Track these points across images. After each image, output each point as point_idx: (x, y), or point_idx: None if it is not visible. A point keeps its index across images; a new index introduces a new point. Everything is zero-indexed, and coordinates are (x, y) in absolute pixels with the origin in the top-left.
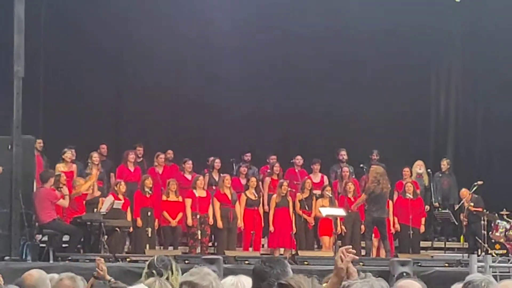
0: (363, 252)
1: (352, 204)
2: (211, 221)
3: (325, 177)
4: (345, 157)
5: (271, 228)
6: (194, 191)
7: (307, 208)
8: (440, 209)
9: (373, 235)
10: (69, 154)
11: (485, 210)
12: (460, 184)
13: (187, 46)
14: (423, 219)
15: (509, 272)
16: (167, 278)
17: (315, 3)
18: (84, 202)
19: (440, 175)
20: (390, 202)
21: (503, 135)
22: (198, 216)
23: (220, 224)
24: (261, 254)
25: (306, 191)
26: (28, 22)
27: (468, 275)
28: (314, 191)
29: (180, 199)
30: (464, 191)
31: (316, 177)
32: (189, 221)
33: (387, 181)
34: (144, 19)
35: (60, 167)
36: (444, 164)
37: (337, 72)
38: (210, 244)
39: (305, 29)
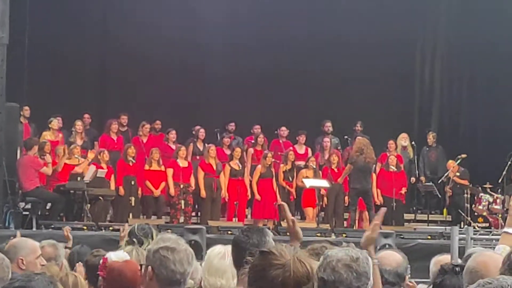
0: (346, 223)
1: (336, 176)
2: (192, 189)
3: (309, 150)
4: (331, 128)
5: (257, 197)
6: (177, 161)
7: (290, 179)
8: (425, 183)
9: (357, 206)
10: (55, 122)
11: (469, 184)
12: (446, 157)
13: (171, 13)
14: (403, 189)
15: (490, 245)
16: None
17: None
18: (69, 172)
19: (427, 148)
20: (374, 174)
21: (487, 108)
22: (181, 186)
23: (203, 193)
24: (245, 224)
25: (289, 163)
26: None
27: (469, 249)
28: (298, 163)
29: (163, 168)
30: (450, 163)
31: (301, 149)
32: (171, 191)
33: (372, 152)
34: None
35: (47, 136)
36: (430, 137)
37: (323, 45)
38: (193, 214)
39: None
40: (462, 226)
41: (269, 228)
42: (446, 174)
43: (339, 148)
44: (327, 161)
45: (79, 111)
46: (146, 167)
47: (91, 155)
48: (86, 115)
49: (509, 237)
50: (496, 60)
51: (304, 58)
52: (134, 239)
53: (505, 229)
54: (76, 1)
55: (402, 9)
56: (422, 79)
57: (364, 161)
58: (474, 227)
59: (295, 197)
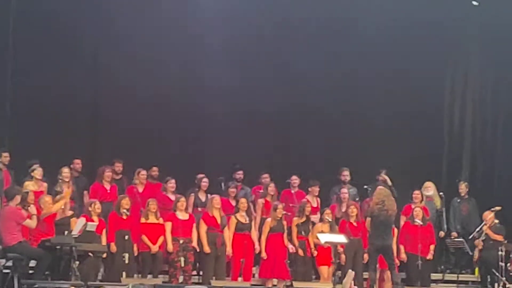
0: (365, 284)
1: (355, 230)
2: (195, 246)
3: (319, 201)
4: (348, 177)
5: (264, 255)
6: (176, 213)
7: (303, 233)
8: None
9: (377, 265)
10: (39, 171)
11: (504, 240)
12: (479, 210)
13: (171, 51)
14: (432, 247)
15: None
16: None
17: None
18: (53, 223)
19: (459, 200)
20: (395, 229)
21: None
22: (180, 241)
23: (207, 249)
24: (252, 285)
25: (305, 216)
26: None
27: None
28: (312, 216)
29: (161, 221)
30: (487, 213)
31: (313, 201)
32: (169, 247)
33: (394, 204)
34: (125, 18)
35: (29, 186)
36: (462, 187)
37: (340, 84)
38: (194, 272)
39: (305, 31)
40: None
41: None
42: (479, 228)
43: (357, 199)
44: (344, 213)
45: (66, 157)
46: (143, 220)
47: (67, 191)
48: (77, 161)
49: None
50: None
51: (319, 99)
52: None
53: None
54: (64, 34)
55: (430, 46)
56: (451, 123)
57: (385, 214)
58: None
59: (312, 254)
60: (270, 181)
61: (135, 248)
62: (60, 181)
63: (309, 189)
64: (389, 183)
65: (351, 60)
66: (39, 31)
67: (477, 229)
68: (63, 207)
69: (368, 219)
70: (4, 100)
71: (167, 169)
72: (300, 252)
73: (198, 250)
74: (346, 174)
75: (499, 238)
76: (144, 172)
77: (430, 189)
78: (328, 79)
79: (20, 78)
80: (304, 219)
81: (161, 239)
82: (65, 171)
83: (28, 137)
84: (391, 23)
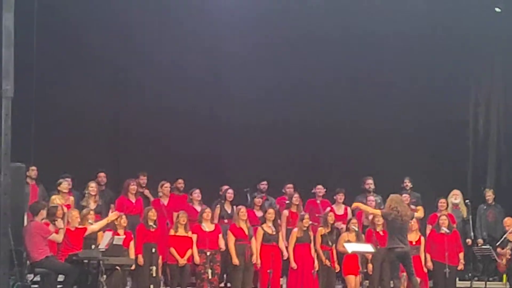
0: None
1: (382, 239)
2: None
3: (349, 209)
4: (372, 186)
5: (293, 265)
6: (202, 225)
7: (330, 243)
8: (482, 245)
9: (400, 272)
10: (65, 184)
11: None
12: (505, 216)
13: (194, 62)
14: (461, 255)
15: None
16: None
17: (342, 7)
18: (81, 237)
19: (485, 207)
20: (422, 237)
21: None
22: (207, 253)
23: (236, 261)
24: None
25: (328, 225)
26: (18, 35)
27: None
28: (337, 224)
29: (190, 234)
30: (507, 220)
31: (340, 209)
32: (196, 259)
33: (407, 209)
34: (146, 32)
35: (56, 199)
36: (490, 194)
37: (363, 91)
38: (222, 284)
39: (329, 42)
40: None
41: None
42: (504, 236)
43: (382, 207)
44: (371, 222)
45: (91, 170)
46: (172, 232)
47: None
48: (102, 174)
49: None
50: None
51: (343, 109)
52: None
53: None
54: (87, 46)
55: (453, 53)
56: (476, 130)
57: (400, 221)
58: None
59: (336, 264)
60: (294, 191)
61: (160, 261)
62: (86, 195)
63: (334, 197)
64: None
65: (376, 70)
66: (63, 48)
67: (502, 239)
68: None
69: (379, 212)
70: (30, 115)
71: (191, 181)
72: (326, 262)
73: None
74: (370, 183)
75: None
76: (167, 184)
77: (457, 197)
78: (352, 89)
79: (45, 94)
80: (329, 229)
81: (189, 252)
82: (92, 185)
83: (53, 152)
84: (414, 33)
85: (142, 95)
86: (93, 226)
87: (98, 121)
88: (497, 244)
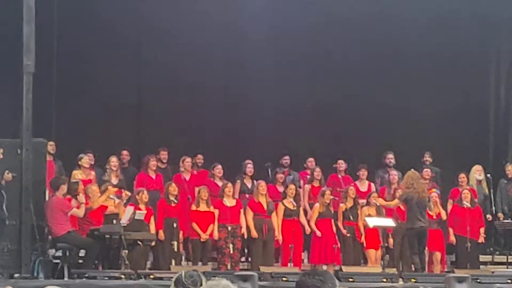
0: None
1: (403, 214)
2: (243, 232)
3: (373, 185)
4: (393, 161)
5: (318, 233)
6: (223, 200)
7: (352, 218)
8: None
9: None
10: (86, 159)
11: None
12: None
13: (214, 36)
14: (482, 230)
15: None
16: None
17: None
18: (102, 213)
19: (506, 181)
20: (443, 211)
21: None
22: (228, 228)
23: (254, 233)
24: (302, 270)
25: (350, 200)
26: (39, 11)
27: None
28: (360, 200)
29: (212, 209)
30: None
31: (363, 185)
32: (215, 234)
33: (424, 186)
34: (166, 7)
35: (77, 175)
36: (510, 169)
37: (383, 66)
38: (243, 259)
39: (348, 16)
40: None
41: None
42: None
43: (402, 183)
44: (393, 197)
45: (112, 146)
46: (193, 207)
47: (125, 196)
48: (125, 152)
49: None
50: None
51: (362, 83)
52: None
53: None
54: (109, 23)
55: (474, 29)
56: (497, 104)
57: (417, 197)
58: None
59: (361, 240)
60: (316, 166)
61: (181, 235)
62: (108, 170)
63: (357, 173)
64: None
65: (397, 48)
66: (84, 24)
67: None
68: (117, 201)
69: (397, 200)
70: (51, 91)
71: (212, 157)
72: (347, 235)
73: (246, 236)
74: (390, 157)
75: None
76: (189, 159)
77: (481, 172)
78: (374, 66)
79: (66, 70)
80: (351, 203)
81: (211, 227)
82: (113, 160)
83: (75, 128)
84: (435, 11)
85: (163, 71)
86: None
87: (119, 98)
88: None
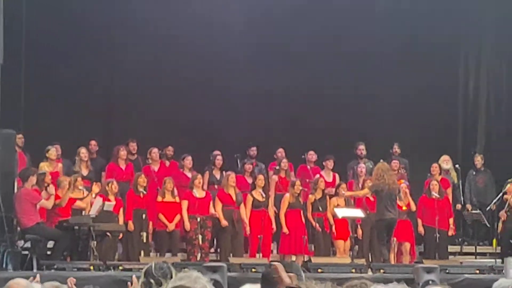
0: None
1: (372, 205)
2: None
3: (337, 176)
4: (364, 151)
5: (285, 230)
6: (193, 191)
7: (321, 209)
8: (472, 210)
9: (393, 238)
10: (53, 151)
11: None
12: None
13: (183, 27)
14: (451, 220)
15: None
16: None
17: None
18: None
19: (474, 172)
20: (412, 202)
21: None
22: (197, 219)
23: (224, 222)
24: (270, 261)
25: (319, 191)
26: (7, 3)
27: (496, 281)
28: (327, 191)
29: (178, 199)
30: (510, 186)
31: (328, 176)
32: (186, 225)
33: (394, 177)
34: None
35: (45, 167)
36: (478, 159)
37: (353, 57)
38: (212, 250)
39: (319, 5)
40: None
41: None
42: (498, 198)
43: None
44: (361, 188)
45: (81, 138)
46: (159, 198)
47: (95, 188)
48: (93, 142)
49: None
50: None
51: (333, 75)
52: (152, 280)
53: None
54: (77, 15)
55: (442, 17)
56: (465, 94)
57: (387, 189)
58: None
59: (331, 230)
60: (284, 156)
61: (151, 226)
62: (77, 161)
63: (324, 163)
64: None
65: (366, 38)
66: (53, 15)
67: (495, 201)
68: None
69: (366, 190)
70: (19, 83)
71: (181, 148)
72: (317, 227)
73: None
74: (362, 149)
75: None
76: (156, 150)
77: (448, 162)
78: (342, 56)
79: (35, 60)
80: (320, 195)
81: (177, 218)
82: (83, 151)
83: (44, 119)
84: (406, 2)
85: (133, 62)
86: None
87: (88, 89)
88: (489, 207)
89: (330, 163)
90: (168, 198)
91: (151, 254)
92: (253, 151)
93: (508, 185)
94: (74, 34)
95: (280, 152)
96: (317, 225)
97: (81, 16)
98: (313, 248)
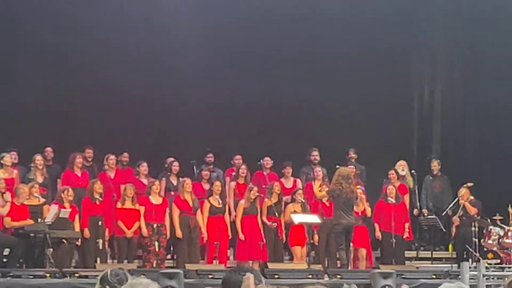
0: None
1: (328, 210)
2: (167, 234)
3: (298, 181)
4: (318, 158)
5: (241, 237)
6: (149, 197)
7: (276, 215)
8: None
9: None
10: (8, 158)
11: (478, 215)
12: (451, 187)
13: (138, 36)
14: (407, 225)
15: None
16: None
17: None
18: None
19: (431, 177)
20: (368, 208)
21: (496, 132)
22: (153, 226)
23: (179, 233)
24: (227, 267)
25: (275, 196)
26: None
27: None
28: (285, 197)
29: (137, 206)
30: (461, 190)
31: (288, 182)
32: (144, 231)
33: (351, 185)
34: (90, 6)
35: (0, 173)
36: (435, 165)
37: (308, 63)
38: (168, 256)
39: (272, 13)
40: (470, 263)
41: None
42: (453, 204)
43: (326, 179)
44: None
45: (36, 145)
46: (119, 205)
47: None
48: (49, 149)
49: None
50: (504, 78)
51: (288, 81)
52: (107, 286)
53: None
54: (30, 18)
55: (396, 25)
56: (420, 100)
57: (345, 196)
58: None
59: (283, 235)
60: (242, 163)
61: (107, 233)
62: (33, 168)
63: (283, 171)
64: None
65: (321, 45)
66: (5, 23)
67: (451, 205)
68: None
69: (325, 193)
70: None
71: (137, 154)
72: (272, 225)
73: (169, 236)
74: (315, 155)
75: (474, 210)
76: (113, 157)
77: (404, 167)
78: (299, 62)
79: None
80: (276, 200)
81: (136, 225)
82: (38, 158)
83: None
84: (358, 7)
85: (88, 69)
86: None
87: (44, 96)
88: (445, 212)
89: (288, 170)
90: (128, 205)
91: (108, 261)
92: (210, 157)
93: (462, 190)
94: (27, 41)
95: (238, 159)
96: (274, 225)
97: (35, 25)
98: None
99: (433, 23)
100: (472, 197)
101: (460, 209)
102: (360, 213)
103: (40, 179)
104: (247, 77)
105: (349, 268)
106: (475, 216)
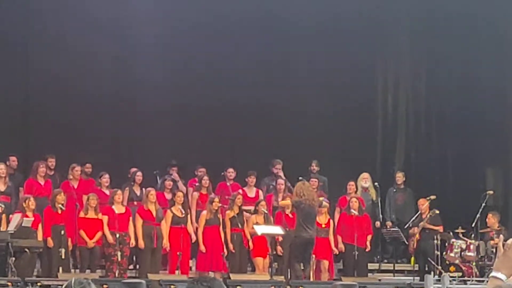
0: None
1: (291, 222)
2: (132, 242)
3: (261, 192)
4: (281, 172)
5: (202, 248)
6: (112, 207)
7: (239, 225)
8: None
9: (312, 256)
10: None
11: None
12: (415, 200)
13: (102, 42)
14: (369, 237)
15: None
16: None
17: None
18: None
19: (394, 190)
20: (331, 221)
21: (459, 145)
22: (116, 235)
23: (141, 243)
24: (189, 277)
25: (236, 207)
26: None
27: None
28: (247, 207)
29: (100, 216)
30: (421, 201)
31: (251, 192)
32: (109, 238)
33: (313, 195)
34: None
35: None
36: (400, 176)
37: (271, 74)
38: (131, 266)
39: (234, 22)
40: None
41: None
42: (415, 217)
43: (287, 192)
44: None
45: (1, 154)
46: (82, 214)
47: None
48: (12, 158)
49: (497, 282)
50: (468, 91)
51: (251, 93)
52: None
53: (493, 274)
54: None
55: (360, 35)
56: (384, 112)
57: (307, 208)
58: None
59: (249, 245)
60: (205, 174)
61: (70, 243)
62: None
63: (246, 180)
64: None
65: (285, 54)
66: None
67: (413, 219)
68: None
69: (289, 201)
70: None
71: (100, 164)
72: (230, 245)
73: (133, 244)
74: (278, 168)
75: (439, 228)
76: (78, 167)
77: (367, 180)
78: (259, 72)
79: None
80: (237, 211)
81: (99, 234)
82: (1, 167)
83: None
84: (322, 16)
85: (52, 77)
86: None
87: (6, 103)
88: (407, 225)
89: (252, 180)
90: (91, 214)
91: (70, 270)
92: (174, 170)
93: (420, 199)
94: None
95: (201, 171)
96: (231, 244)
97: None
98: (231, 265)
99: (397, 35)
100: (437, 211)
101: (421, 224)
102: (323, 225)
103: (2, 187)
104: (211, 88)
105: (311, 279)
106: (438, 229)
